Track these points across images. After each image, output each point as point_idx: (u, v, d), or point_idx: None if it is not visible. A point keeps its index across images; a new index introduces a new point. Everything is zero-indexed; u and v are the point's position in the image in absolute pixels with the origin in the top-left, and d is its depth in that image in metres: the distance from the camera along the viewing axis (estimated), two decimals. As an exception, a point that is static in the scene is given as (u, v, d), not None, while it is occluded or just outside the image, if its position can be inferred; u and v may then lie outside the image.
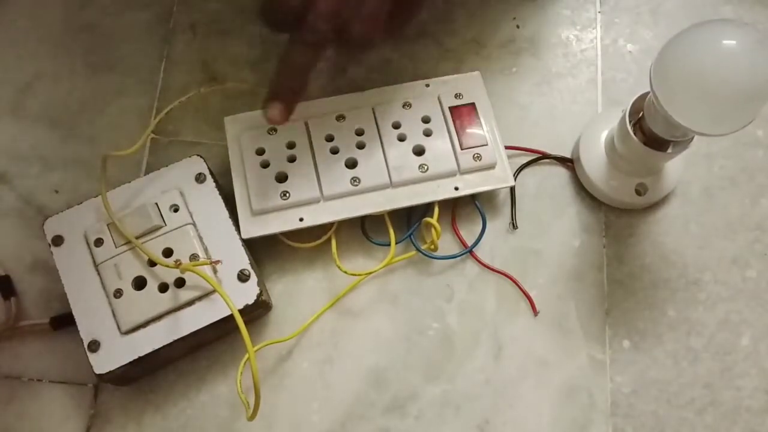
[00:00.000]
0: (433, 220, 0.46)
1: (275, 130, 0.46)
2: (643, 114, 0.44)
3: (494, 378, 0.45)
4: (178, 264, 0.41)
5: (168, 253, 0.43)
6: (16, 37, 0.53)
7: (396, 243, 0.46)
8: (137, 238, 0.43)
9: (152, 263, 0.43)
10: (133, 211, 0.43)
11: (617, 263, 0.48)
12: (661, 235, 0.49)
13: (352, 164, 0.46)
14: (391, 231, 0.46)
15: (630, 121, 0.44)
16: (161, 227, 0.43)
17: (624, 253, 0.48)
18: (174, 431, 0.44)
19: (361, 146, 0.46)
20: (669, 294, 0.47)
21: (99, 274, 0.43)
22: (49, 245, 0.43)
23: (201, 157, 0.46)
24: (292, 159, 0.46)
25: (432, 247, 0.46)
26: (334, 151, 0.46)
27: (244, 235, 0.44)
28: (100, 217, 0.44)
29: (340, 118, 0.47)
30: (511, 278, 0.47)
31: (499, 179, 0.47)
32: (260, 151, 0.46)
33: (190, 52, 0.53)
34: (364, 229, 0.47)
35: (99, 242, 0.43)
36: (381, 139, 0.46)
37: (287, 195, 0.45)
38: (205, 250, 0.43)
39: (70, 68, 0.52)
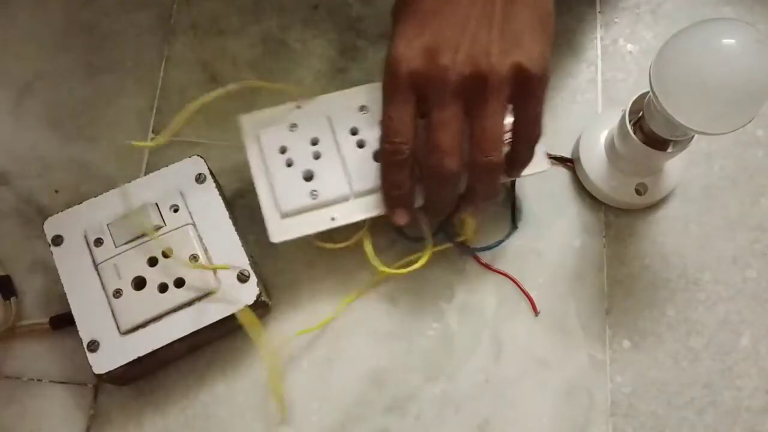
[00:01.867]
0: (467, 213, 0.45)
1: (296, 126, 0.44)
2: (642, 114, 0.44)
3: (494, 378, 0.45)
4: (200, 264, 0.42)
5: (168, 253, 0.43)
6: (16, 37, 0.53)
7: (433, 236, 0.45)
8: (137, 238, 0.43)
9: (152, 263, 0.42)
10: (133, 211, 0.43)
11: (617, 263, 0.48)
12: (661, 235, 0.48)
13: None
14: (426, 225, 0.45)
15: (630, 121, 0.44)
16: (161, 227, 0.43)
17: (624, 253, 0.48)
18: (174, 431, 0.44)
19: None
20: (669, 294, 0.47)
21: (99, 274, 0.43)
22: (49, 245, 0.43)
23: (201, 157, 0.45)
24: (317, 156, 0.44)
25: (467, 240, 0.46)
26: (361, 144, 0.44)
27: (274, 240, 0.42)
28: (100, 216, 0.44)
29: (363, 109, 0.45)
30: (511, 278, 0.47)
31: (536, 165, 0.44)
32: (283, 150, 0.44)
33: (190, 52, 0.53)
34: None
35: (99, 242, 0.43)
36: None
37: (316, 194, 0.43)
38: (205, 250, 0.43)
39: (70, 68, 0.52)
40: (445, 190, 0.41)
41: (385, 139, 0.40)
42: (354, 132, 0.44)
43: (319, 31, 0.53)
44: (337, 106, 0.45)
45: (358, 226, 0.45)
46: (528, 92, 0.39)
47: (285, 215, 0.43)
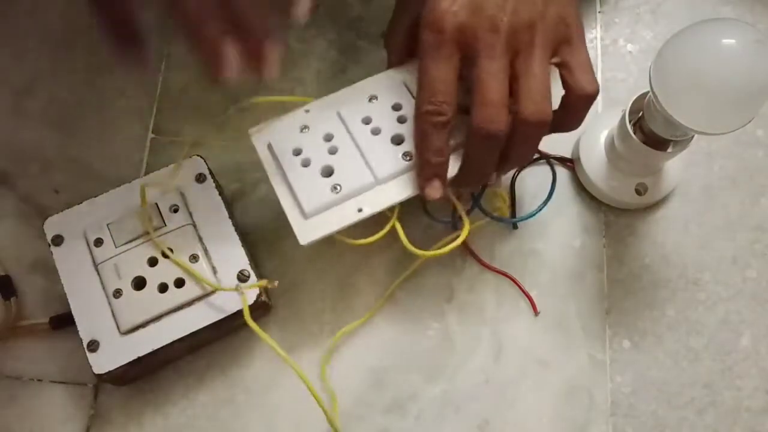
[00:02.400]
0: (497, 187, 0.44)
1: (307, 127, 0.43)
2: (642, 114, 0.44)
3: (494, 378, 0.45)
4: (238, 288, 0.41)
5: (168, 253, 0.43)
6: (16, 37, 0.53)
7: (468, 213, 0.44)
8: (137, 238, 0.43)
9: (152, 263, 0.42)
10: (132, 212, 0.43)
11: (617, 263, 0.48)
12: (661, 235, 0.48)
13: (398, 140, 0.42)
14: (457, 200, 0.44)
15: (630, 121, 0.44)
16: (161, 227, 0.43)
17: (624, 253, 0.48)
18: (174, 431, 0.44)
19: (402, 120, 0.43)
20: (669, 294, 0.47)
21: (99, 274, 0.43)
22: (49, 245, 0.43)
23: (201, 157, 0.46)
24: (333, 151, 0.42)
25: (500, 213, 0.46)
26: (376, 132, 0.42)
27: (303, 242, 0.40)
28: (100, 216, 0.44)
29: (373, 98, 0.43)
30: (511, 278, 0.47)
31: None
32: (297, 152, 0.42)
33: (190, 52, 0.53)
34: (426, 208, 0.46)
35: (99, 242, 0.43)
36: None
37: (338, 188, 0.41)
38: (205, 250, 0.43)
39: (70, 68, 0.52)
40: (490, 153, 0.39)
41: (426, 99, 0.38)
42: (367, 121, 0.43)
43: (319, 31, 0.53)
44: (346, 101, 0.44)
45: (378, 222, 0.43)
46: (572, 42, 0.38)
47: (309, 215, 0.41)
